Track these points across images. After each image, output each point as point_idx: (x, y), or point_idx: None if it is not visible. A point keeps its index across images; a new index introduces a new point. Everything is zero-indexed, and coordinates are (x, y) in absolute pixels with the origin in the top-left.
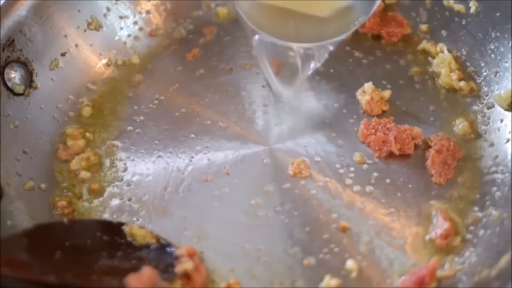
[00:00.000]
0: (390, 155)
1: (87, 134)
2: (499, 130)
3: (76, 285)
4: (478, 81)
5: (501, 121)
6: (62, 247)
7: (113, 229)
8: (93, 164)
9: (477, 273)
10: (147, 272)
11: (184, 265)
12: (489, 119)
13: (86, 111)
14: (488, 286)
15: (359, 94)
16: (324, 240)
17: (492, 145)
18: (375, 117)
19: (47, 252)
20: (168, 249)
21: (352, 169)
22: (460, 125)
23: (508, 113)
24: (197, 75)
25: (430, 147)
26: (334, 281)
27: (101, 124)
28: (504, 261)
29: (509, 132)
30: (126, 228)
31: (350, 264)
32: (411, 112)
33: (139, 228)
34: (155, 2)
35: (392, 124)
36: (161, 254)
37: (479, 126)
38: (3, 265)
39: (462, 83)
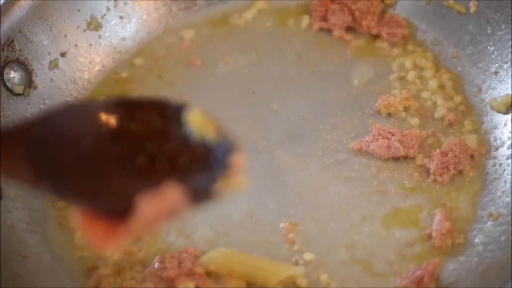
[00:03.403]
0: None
1: None
2: (499, 133)
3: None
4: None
5: (501, 124)
6: (95, 132)
7: (171, 112)
8: None
9: (477, 273)
10: (168, 195)
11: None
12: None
13: None
14: (488, 286)
15: None
16: None
17: (493, 147)
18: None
19: (68, 143)
20: (223, 153)
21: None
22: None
23: (507, 116)
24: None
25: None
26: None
27: None
28: (504, 261)
29: (510, 133)
30: (187, 112)
31: None
32: None
33: (200, 115)
34: (156, 2)
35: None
36: (210, 159)
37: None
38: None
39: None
